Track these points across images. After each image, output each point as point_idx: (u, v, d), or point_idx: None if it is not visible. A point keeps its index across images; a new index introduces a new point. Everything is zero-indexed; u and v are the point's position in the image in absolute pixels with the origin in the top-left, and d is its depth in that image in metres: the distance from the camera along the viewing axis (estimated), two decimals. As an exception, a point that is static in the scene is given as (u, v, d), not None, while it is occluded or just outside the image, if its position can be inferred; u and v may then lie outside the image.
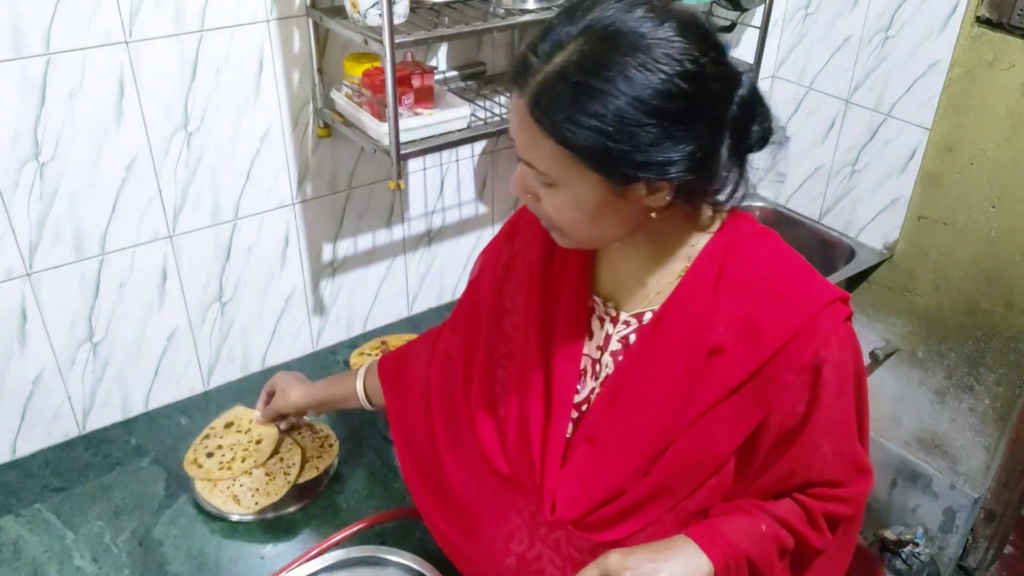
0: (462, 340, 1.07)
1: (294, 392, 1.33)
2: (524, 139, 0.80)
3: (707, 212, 0.89)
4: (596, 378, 0.93)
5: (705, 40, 0.77)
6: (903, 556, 2.12)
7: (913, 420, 2.09)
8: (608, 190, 0.79)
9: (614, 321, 0.92)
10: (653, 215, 0.82)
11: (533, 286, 0.97)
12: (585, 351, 0.94)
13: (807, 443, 0.87)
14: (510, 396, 0.98)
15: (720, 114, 0.79)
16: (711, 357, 0.84)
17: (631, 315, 0.91)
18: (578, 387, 0.94)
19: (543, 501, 0.93)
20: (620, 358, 0.91)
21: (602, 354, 0.92)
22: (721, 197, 0.86)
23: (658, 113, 0.74)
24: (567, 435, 0.93)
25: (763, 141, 0.84)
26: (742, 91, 0.80)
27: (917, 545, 2.12)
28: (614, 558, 0.84)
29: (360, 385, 1.24)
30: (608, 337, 0.92)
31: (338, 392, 1.29)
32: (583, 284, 0.94)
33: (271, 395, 1.38)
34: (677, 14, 0.78)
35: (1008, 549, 2.21)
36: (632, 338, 0.90)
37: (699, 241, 0.89)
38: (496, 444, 0.99)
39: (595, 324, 0.94)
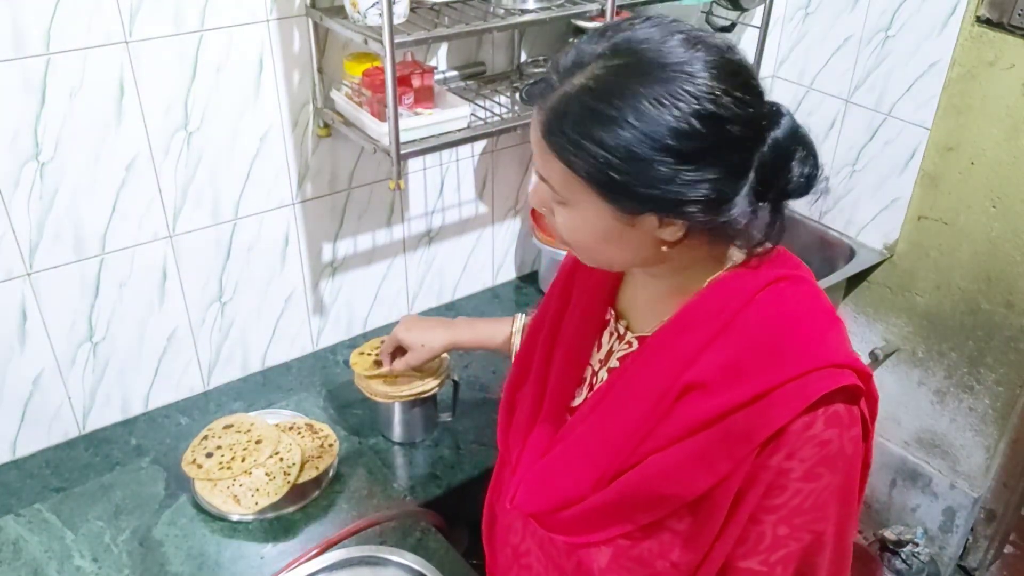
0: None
1: (438, 339, 1.33)
2: (538, 155, 0.79)
3: (736, 254, 0.83)
4: (592, 388, 0.94)
5: (735, 79, 0.72)
6: (903, 556, 2.12)
7: (913, 420, 2.09)
8: (616, 218, 0.76)
9: (620, 338, 0.92)
10: (665, 248, 0.79)
11: (566, 281, 1.00)
12: (591, 360, 0.95)
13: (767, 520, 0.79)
14: (525, 382, 1.01)
15: (742, 158, 0.74)
16: (686, 392, 0.80)
17: (635, 336, 0.91)
18: (577, 392, 0.95)
19: (508, 490, 0.96)
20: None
21: (602, 367, 0.93)
22: (747, 240, 0.81)
23: (669, 151, 0.70)
24: (555, 434, 0.95)
25: (805, 188, 0.77)
26: (777, 132, 0.74)
27: (917, 545, 2.12)
28: None
29: (517, 340, 1.24)
30: (611, 352, 0.93)
31: (489, 338, 1.30)
32: (604, 296, 0.95)
33: (394, 353, 1.39)
34: (713, 47, 0.73)
35: (1008, 549, 2.21)
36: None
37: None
38: (504, 425, 1.03)
39: (605, 337, 0.94)
